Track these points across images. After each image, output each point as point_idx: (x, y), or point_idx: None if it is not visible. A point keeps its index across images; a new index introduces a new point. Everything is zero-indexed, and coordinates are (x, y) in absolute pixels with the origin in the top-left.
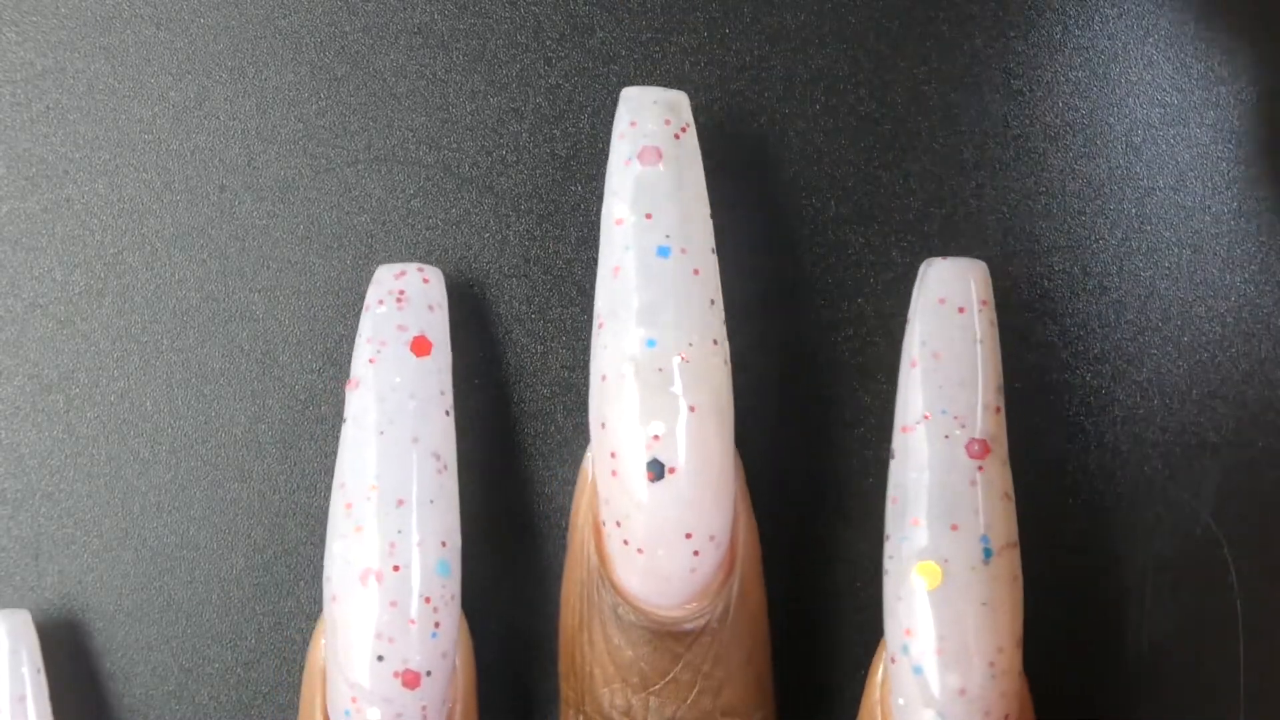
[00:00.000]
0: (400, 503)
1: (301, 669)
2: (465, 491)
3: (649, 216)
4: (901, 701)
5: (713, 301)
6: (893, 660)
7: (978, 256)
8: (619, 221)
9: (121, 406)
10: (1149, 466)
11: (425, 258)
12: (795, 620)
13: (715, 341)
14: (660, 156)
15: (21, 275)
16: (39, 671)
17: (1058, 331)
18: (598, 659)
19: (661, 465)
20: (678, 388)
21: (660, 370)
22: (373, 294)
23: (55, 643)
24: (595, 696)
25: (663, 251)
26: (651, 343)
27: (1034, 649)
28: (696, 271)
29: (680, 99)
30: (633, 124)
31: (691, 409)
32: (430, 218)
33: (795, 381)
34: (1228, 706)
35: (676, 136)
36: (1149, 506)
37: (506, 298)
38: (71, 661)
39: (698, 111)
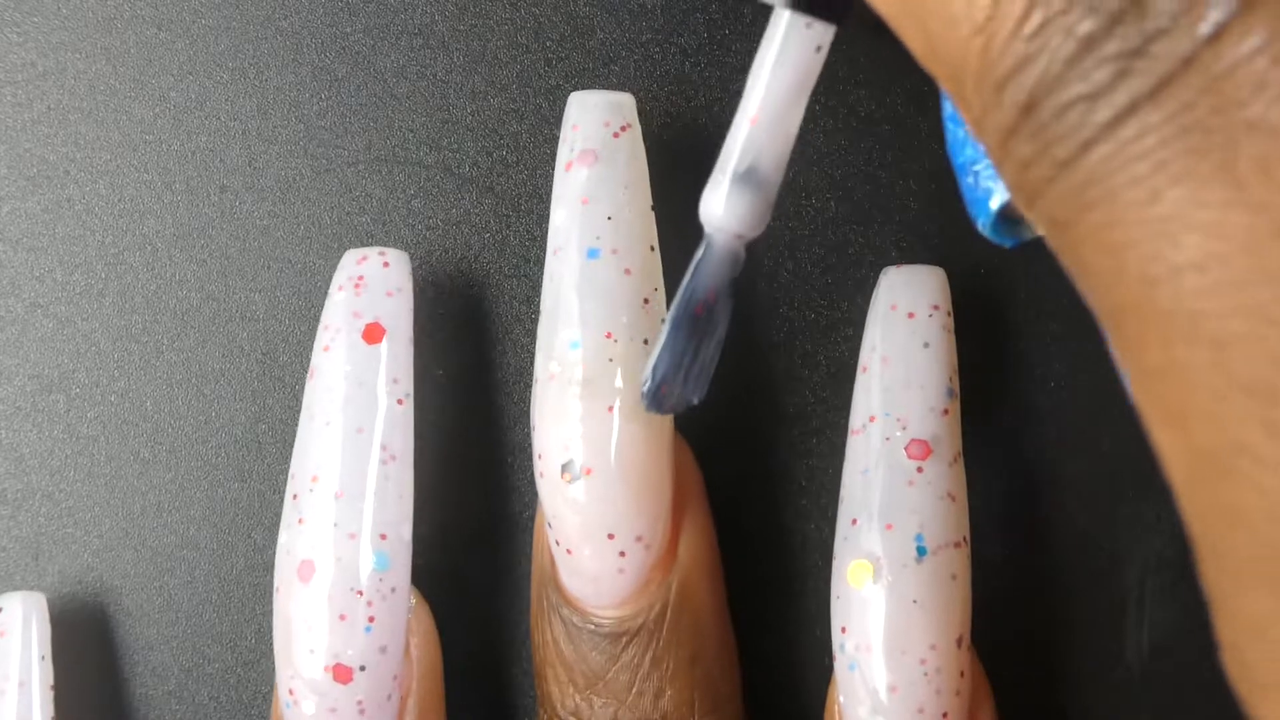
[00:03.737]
0: (339, 495)
1: None
2: (463, 491)
3: (582, 219)
4: (843, 699)
5: (647, 301)
6: (833, 658)
7: (978, 257)
8: (555, 225)
9: (122, 406)
10: (1150, 466)
11: (425, 258)
12: (785, 625)
13: (646, 341)
14: (596, 159)
15: (22, 275)
16: (44, 658)
17: (1061, 329)
18: (549, 659)
19: (577, 466)
20: (601, 389)
21: (583, 371)
22: (335, 280)
23: (55, 642)
24: (549, 696)
25: (592, 253)
26: (575, 344)
27: (1034, 651)
28: (628, 271)
29: (624, 100)
30: (575, 128)
31: (612, 409)
32: (431, 218)
33: (795, 382)
34: (1228, 706)
35: (615, 137)
36: (1149, 506)
37: (506, 298)
38: (71, 661)
39: (697, 112)
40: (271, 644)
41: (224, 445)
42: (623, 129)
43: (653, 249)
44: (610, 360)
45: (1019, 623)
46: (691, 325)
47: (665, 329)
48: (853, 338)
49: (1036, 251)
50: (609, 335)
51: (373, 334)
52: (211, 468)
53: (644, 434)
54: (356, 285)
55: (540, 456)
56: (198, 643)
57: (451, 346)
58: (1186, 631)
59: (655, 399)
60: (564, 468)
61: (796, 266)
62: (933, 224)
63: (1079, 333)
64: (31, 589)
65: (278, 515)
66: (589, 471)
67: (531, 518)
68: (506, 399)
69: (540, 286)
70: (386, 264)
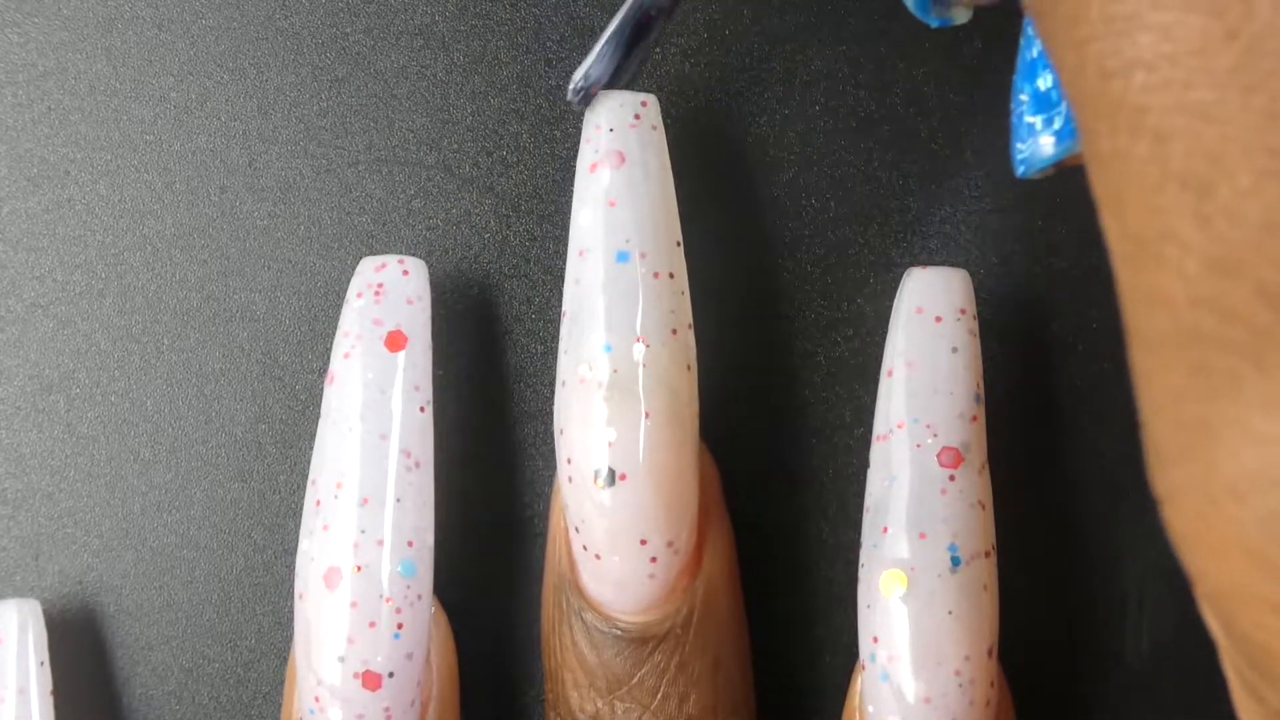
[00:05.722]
0: (365, 501)
1: None
2: (462, 492)
3: (609, 222)
4: (871, 709)
5: (674, 307)
6: (863, 667)
7: (977, 257)
8: (580, 226)
9: (122, 406)
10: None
11: (425, 258)
12: (786, 625)
13: (674, 332)
14: (623, 160)
15: (23, 275)
16: (43, 665)
17: (1059, 330)
18: (567, 663)
19: (613, 472)
20: (633, 393)
21: (616, 375)
22: (353, 287)
23: (55, 643)
24: (566, 700)
25: (622, 256)
26: (608, 348)
27: (1034, 653)
28: (656, 275)
29: (650, 100)
30: (597, 128)
31: (646, 415)
32: (430, 218)
33: (795, 382)
34: (1229, 708)
35: (641, 140)
36: (1150, 508)
37: (506, 298)
38: (71, 661)
39: (697, 113)
40: (272, 644)
41: (224, 445)
42: (650, 130)
43: (678, 247)
44: (644, 365)
45: (1023, 626)
46: (633, 33)
47: (606, 35)
48: (852, 338)
49: (1036, 252)
50: (641, 339)
51: (395, 342)
52: (211, 468)
53: (676, 438)
54: (376, 293)
55: (569, 461)
56: (198, 643)
57: (451, 347)
58: (1187, 632)
59: (584, 98)
60: (596, 473)
61: (796, 266)
62: (932, 224)
63: (1079, 333)
64: (31, 589)
65: (278, 515)
66: (624, 477)
67: (536, 519)
68: (508, 399)
69: (540, 285)
70: (406, 272)
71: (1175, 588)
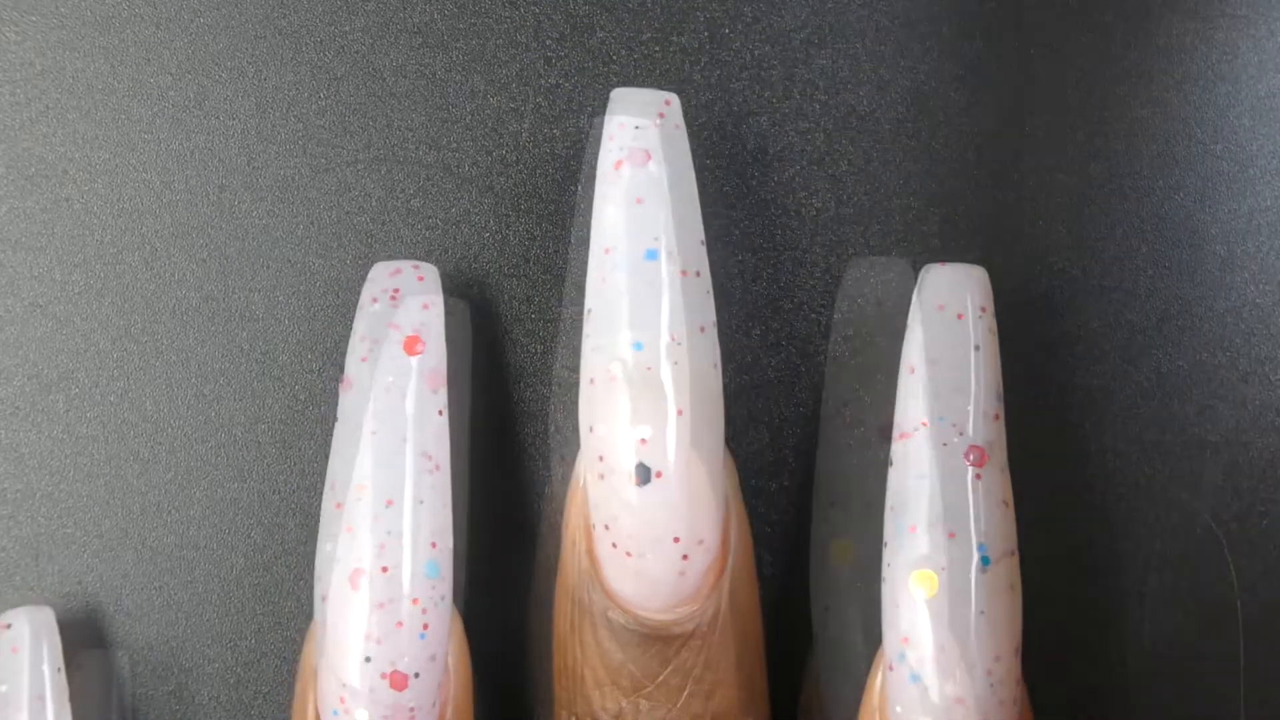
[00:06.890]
0: (389, 503)
1: None
2: (464, 492)
3: (636, 219)
4: (899, 709)
5: (701, 305)
6: (890, 668)
7: (976, 256)
8: (605, 224)
9: (121, 406)
10: (1149, 467)
11: (425, 257)
12: (793, 625)
13: (704, 344)
14: (649, 158)
15: (21, 275)
16: (59, 671)
17: (1056, 332)
18: (588, 661)
19: (648, 469)
20: (665, 391)
21: (648, 373)
22: (367, 292)
23: None
24: (586, 698)
25: (651, 254)
26: (639, 346)
27: (1034, 651)
28: (684, 273)
29: (671, 99)
30: (621, 125)
31: (679, 412)
32: (430, 218)
33: (795, 382)
34: (1228, 706)
35: (665, 137)
36: (1149, 507)
37: (506, 298)
38: (71, 662)
39: (698, 112)
40: (272, 644)
41: (224, 445)
42: (674, 128)
43: (702, 246)
44: (676, 363)
45: (1025, 626)
46: None
47: None
48: (852, 338)
49: (1036, 252)
50: (674, 338)
51: (412, 345)
52: (211, 468)
53: (707, 436)
54: (392, 297)
55: (601, 459)
56: (198, 643)
57: (451, 346)
58: (1187, 632)
59: None
60: (634, 471)
61: (796, 266)
62: (933, 224)
63: (1079, 333)
64: (31, 589)
65: (278, 515)
66: (659, 475)
67: (535, 519)
68: (508, 400)
69: (540, 285)
70: (421, 278)
71: (1178, 586)
